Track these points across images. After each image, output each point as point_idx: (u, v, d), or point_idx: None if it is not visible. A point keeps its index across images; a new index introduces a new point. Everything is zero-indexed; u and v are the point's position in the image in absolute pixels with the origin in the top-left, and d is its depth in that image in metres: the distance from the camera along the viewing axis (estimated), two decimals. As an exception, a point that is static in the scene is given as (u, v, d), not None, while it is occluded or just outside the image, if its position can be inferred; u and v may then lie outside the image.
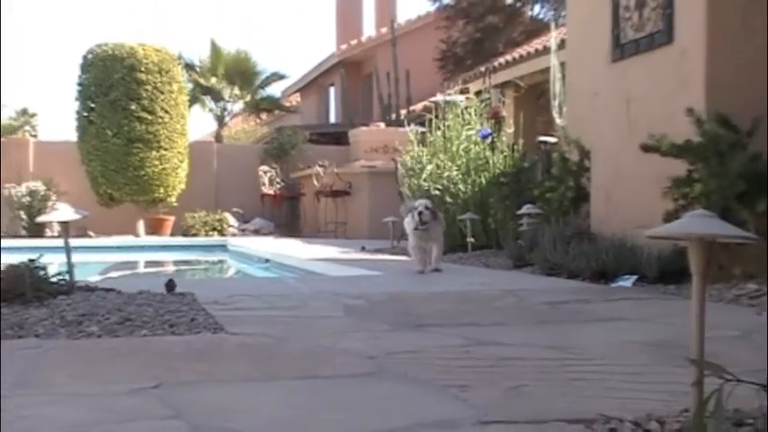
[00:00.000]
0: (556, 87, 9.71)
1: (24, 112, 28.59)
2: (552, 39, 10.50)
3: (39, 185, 16.55)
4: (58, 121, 65.16)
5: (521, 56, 15.03)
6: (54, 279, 4.74)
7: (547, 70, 10.50)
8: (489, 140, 10.39)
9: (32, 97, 64.79)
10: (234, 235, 16.84)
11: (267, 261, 10.63)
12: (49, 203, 15.75)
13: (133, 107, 15.90)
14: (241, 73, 23.79)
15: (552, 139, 9.73)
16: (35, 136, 24.55)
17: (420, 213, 6.81)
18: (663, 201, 5.57)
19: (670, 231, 1.98)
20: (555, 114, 9.64)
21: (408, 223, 7.10)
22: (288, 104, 27.49)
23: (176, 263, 13.59)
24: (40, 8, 71.36)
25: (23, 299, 4.31)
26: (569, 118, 8.72)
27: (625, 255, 6.07)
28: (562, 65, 9.36)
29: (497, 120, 11.01)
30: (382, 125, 18.66)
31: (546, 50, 11.99)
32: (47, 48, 73.15)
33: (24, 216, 16.14)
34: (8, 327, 3.66)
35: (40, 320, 3.82)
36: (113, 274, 9.89)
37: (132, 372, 2.81)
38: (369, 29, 26.18)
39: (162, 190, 16.49)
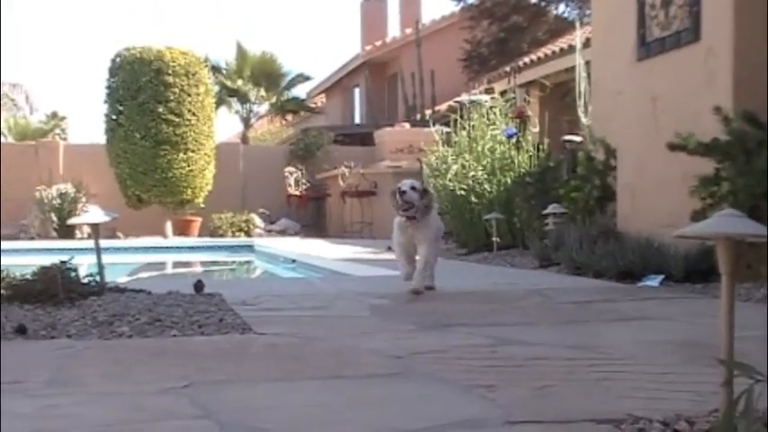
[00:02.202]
0: (581, 86, 9.68)
1: (54, 115, 28.89)
2: (577, 38, 10.47)
3: (69, 188, 16.72)
4: (88, 124, 65.75)
5: (545, 55, 14.98)
6: (85, 280, 4.80)
7: (572, 69, 10.46)
8: (514, 140, 10.36)
9: (62, 101, 65.38)
10: (260, 236, 16.92)
11: (293, 261, 10.67)
12: (79, 205, 15.91)
13: (161, 110, 16.02)
14: (267, 75, 23.90)
15: (577, 139, 9.70)
16: (65, 139, 24.81)
17: (403, 193, 5.05)
18: (690, 199, 5.53)
19: (698, 231, 1.98)
20: (580, 113, 9.61)
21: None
22: (313, 105, 27.57)
23: (204, 264, 13.68)
24: (69, 13, 72.06)
25: (56, 300, 4.37)
26: (594, 117, 8.68)
27: (652, 254, 6.04)
28: (587, 64, 9.32)
29: (522, 119, 10.98)
30: (407, 125, 18.67)
31: (571, 49, 11.94)
32: (76, 52, 73.84)
33: (55, 218, 16.30)
34: (41, 327, 3.71)
35: (72, 321, 3.88)
36: (142, 275, 9.96)
37: (162, 371, 2.85)
38: (393, 29, 26.22)
39: (189, 191, 16.60)
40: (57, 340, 3.51)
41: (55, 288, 4.45)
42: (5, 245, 13.64)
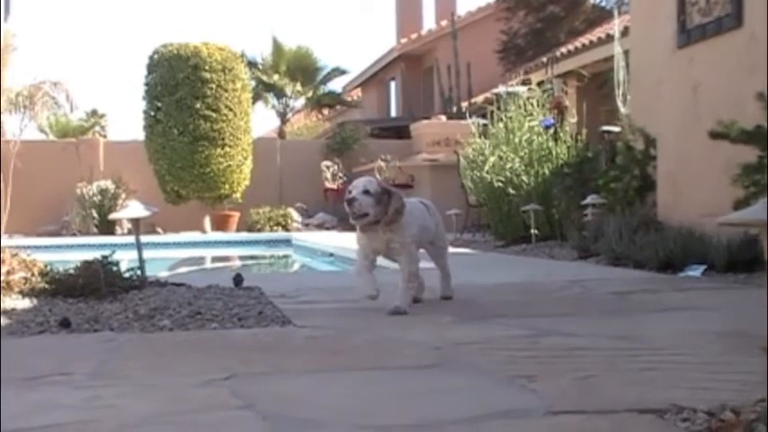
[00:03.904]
0: (619, 76, 9.58)
1: (94, 112, 29.23)
2: (615, 26, 10.36)
3: (109, 184, 16.90)
4: (127, 121, 66.46)
5: (583, 45, 14.85)
6: (126, 275, 4.85)
7: (610, 59, 10.37)
8: (552, 130, 10.30)
9: (102, 98, 66.17)
10: (298, 230, 16.98)
11: (331, 255, 10.70)
12: (119, 202, 16.09)
13: (198, 105, 16.12)
14: (303, 69, 23.94)
15: (616, 129, 9.60)
16: (105, 136, 25.10)
17: (351, 202, 4.00)
18: (732, 188, 5.45)
19: (742, 218, 1.95)
20: (619, 103, 9.52)
21: None
22: (349, 99, 27.59)
23: (242, 258, 13.77)
24: (108, 12, 72.82)
25: (98, 294, 4.43)
26: (633, 106, 8.59)
27: (693, 244, 5.97)
28: (626, 53, 9.23)
29: (560, 110, 10.91)
30: (443, 118, 18.62)
31: (609, 39, 11.83)
32: (114, 50, 74.64)
33: (96, 214, 16.50)
34: (85, 321, 3.77)
35: (114, 314, 3.93)
36: (182, 270, 10.07)
37: (204, 364, 2.87)
38: (429, 22, 26.14)
39: (227, 186, 16.70)
40: (100, 333, 3.55)
41: (97, 282, 4.51)
42: (48, 241, 13.86)
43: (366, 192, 3.99)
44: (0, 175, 14.73)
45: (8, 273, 4.65)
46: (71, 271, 4.71)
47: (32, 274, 4.74)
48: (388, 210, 4.01)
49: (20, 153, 16.26)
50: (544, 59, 15.92)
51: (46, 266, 4.93)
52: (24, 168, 16.18)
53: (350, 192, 4.04)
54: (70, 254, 9.28)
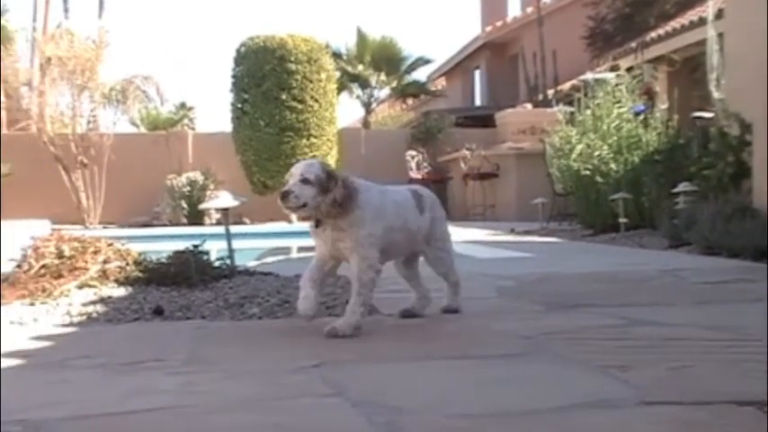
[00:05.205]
0: (713, 60, 9.29)
1: (183, 105, 29.85)
2: (709, 9, 10.04)
3: (197, 176, 17.24)
4: (214, 113, 67.75)
5: (674, 29, 14.48)
6: (216, 264, 4.95)
7: (703, 42, 10.06)
8: (642, 117, 10.07)
9: (190, 92, 67.52)
10: (383, 219, 17.02)
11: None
12: (207, 193, 16.40)
13: (284, 97, 16.30)
14: (387, 59, 23.99)
15: (708, 114, 9.33)
16: (193, 128, 25.62)
17: (285, 196, 3.20)
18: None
19: None
20: (712, 88, 9.23)
21: None
22: (433, 89, 27.52)
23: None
24: (195, 6, 74.31)
25: (189, 282, 4.53)
26: (728, 91, 8.33)
27: (792, 232, 5.76)
28: (719, 36, 8.95)
29: (650, 96, 10.66)
30: (529, 106, 18.41)
31: (701, 22, 11.50)
32: (202, 44, 76.11)
33: (185, 205, 16.85)
34: (177, 309, 3.86)
35: (205, 303, 4.01)
36: (269, 259, 10.20)
37: (293, 351, 2.91)
38: (514, 9, 25.85)
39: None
40: (192, 321, 3.64)
41: (189, 271, 4.61)
42: (141, 231, 14.23)
43: (305, 180, 3.19)
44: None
45: (104, 262, 4.80)
46: (163, 260, 4.82)
47: (127, 264, 4.88)
48: (326, 199, 3.18)
49: (113, 146, 16.72)
50: (633, 45, 15.58)
51: (140, 256, 5.06)
52: (117, 161, 16.63)
53: (286, 181, 3.28)
54: (161, 244, 9.48)
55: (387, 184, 3.77)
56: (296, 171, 3.26)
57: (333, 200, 3.18)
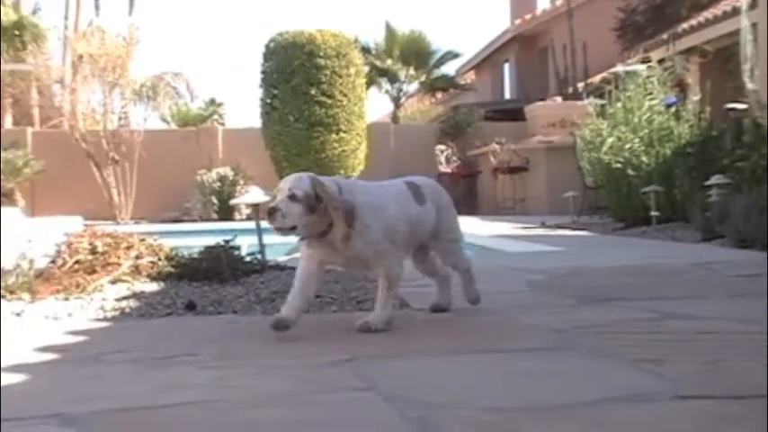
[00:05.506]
0: (747, 50, 9.18)
1: (213, 101, 29.99)
2: (742, -2, 9.93)
3: (227, 171, 17.33)
4: (244, 108, 68.06)
5: (706, 20, 14.31)
6: (247, 259, 4.97)
7: (736, 33, 9.95)
8: (674, 109, 9.98)
9: (220, 88, 67.93)
10: (413, 214, 17.00)
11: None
12: (237, 188, 16.49)
13: (313, 92, 16.33)
14: (416, 53, 23.97)
15: (742, 106, 9.23)
16: (223, 124, 25.75)
17: (272, 214, 3.00)
18: None
19: None
20: (746, 79, 9.13)
21: None
22: (462, 83, 27.46)
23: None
24: (224, 3, 74.65)
25: (221, 277, 4.56)
26: (762, 82, 8.23)
27: (828, 225, 5.69)
28: (753, 26, 8.84)
29: (682, 88, 10.56)
30: (559, 99, 18.31)
31: (735, 12, 11.36)
32: (231, 40, 76.48)
33: (215, 200, 16.96)
34: (209, 303, 3.89)
35: (236, 297, 4.04)
36: (299, 255, 10.25)
37: (325, 346, 2.91)
38: (543, 2, 25.72)
39: (342, 171, 16.87)
40: (223, 315, 3.66)
41: (220, 266, 4.64)
42: (172, 227, 14.33)
43: (293, 197, 2.96)
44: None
45: (137, 257, 4.84)
46: (195, 255, 4.86)
47: (159, 259, 4.92)
48: (330, 219, 3.02)
49: (144, 142, 16.86)
50: (665, 36, 15.44)
51: (171, 251, 5.10)
52: (148, 157, 16.77)
53: (273, 197, 3.07)
54: (192, 239, 9.55)
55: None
56: (284, 186, 3.02)
57: (347, 215, 3.00)
